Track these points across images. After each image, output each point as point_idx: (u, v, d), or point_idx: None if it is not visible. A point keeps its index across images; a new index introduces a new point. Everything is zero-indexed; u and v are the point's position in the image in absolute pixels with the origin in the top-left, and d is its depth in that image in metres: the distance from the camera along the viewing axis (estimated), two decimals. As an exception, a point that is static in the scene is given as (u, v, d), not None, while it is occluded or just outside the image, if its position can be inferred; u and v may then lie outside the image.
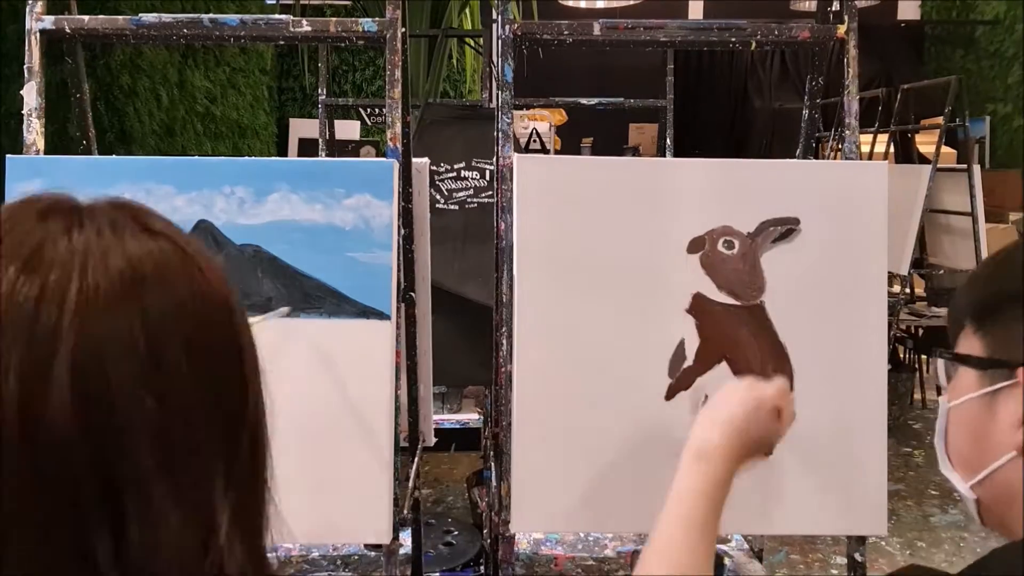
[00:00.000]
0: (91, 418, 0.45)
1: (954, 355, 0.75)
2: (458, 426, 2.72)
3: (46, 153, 1.34)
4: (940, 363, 0.76)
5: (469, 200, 2.73)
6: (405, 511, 1.35)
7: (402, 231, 1.37)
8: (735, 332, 1.33)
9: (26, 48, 1.33)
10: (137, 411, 0.46)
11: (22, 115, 1.33)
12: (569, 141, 5.54)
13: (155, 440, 0.47)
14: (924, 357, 4.58)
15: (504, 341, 1.35)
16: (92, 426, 0.45)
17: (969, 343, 0.73)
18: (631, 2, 4.35)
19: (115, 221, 0.50)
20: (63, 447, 0.45)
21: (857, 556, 1.35)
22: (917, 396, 4.55)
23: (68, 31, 1.36)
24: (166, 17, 1.36)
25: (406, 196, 1.42)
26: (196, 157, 1.95)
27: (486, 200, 2.69)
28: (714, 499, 0.92)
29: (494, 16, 1.63)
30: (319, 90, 3.11)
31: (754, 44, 1.45)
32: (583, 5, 4.65)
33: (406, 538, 1.55)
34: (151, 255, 0.49)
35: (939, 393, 0.79)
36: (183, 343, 0.48)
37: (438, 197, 2.70)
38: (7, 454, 0.44)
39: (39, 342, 0.45)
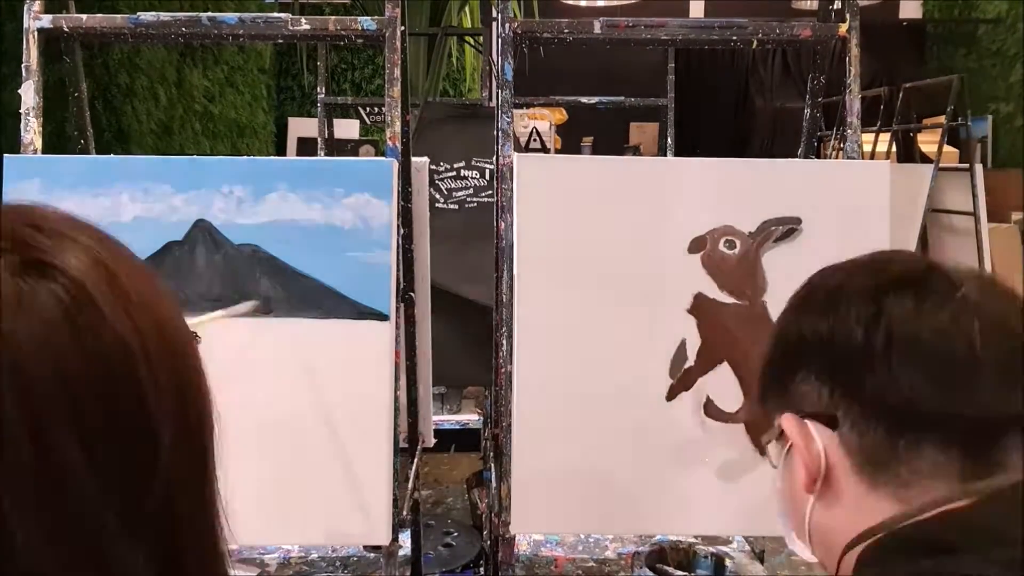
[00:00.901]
0: None
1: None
2: (458, 427, 2.70)
3: (44, 152, 1.34)
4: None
5: (469, 199, 2.72)
6: (404, 512, 1.34)
7: (401, 231, 1.36)
8: (737, 332, 1.32)
9: (24, 47, 1.33)
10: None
11: (20, 114, 1.33)
12: (569, 140, 5.52)
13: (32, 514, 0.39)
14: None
15: (504, 341, 1.34)
16: None
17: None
18: (632, 0, 4.34)
19: None
20: None
21: (859, 558, 1.34)
22: (918, 396, 4.54)
23: (66, 30, 1.35)
24: (164, 16, 1.35)
25: (405, 195, 1.41)
26: (194, 156, 1.94)
27: (486, 199, 2.68)
28: None
29: (494, 14, 1.62)
30: (318, 89, 3.10)
31: (755, 43, 1.45)
32: (583, 3, 4.64)
33: (405, 539, 1.54)
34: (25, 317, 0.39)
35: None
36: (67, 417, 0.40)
37: (437, 196, 2.69)
38: None
39: None
